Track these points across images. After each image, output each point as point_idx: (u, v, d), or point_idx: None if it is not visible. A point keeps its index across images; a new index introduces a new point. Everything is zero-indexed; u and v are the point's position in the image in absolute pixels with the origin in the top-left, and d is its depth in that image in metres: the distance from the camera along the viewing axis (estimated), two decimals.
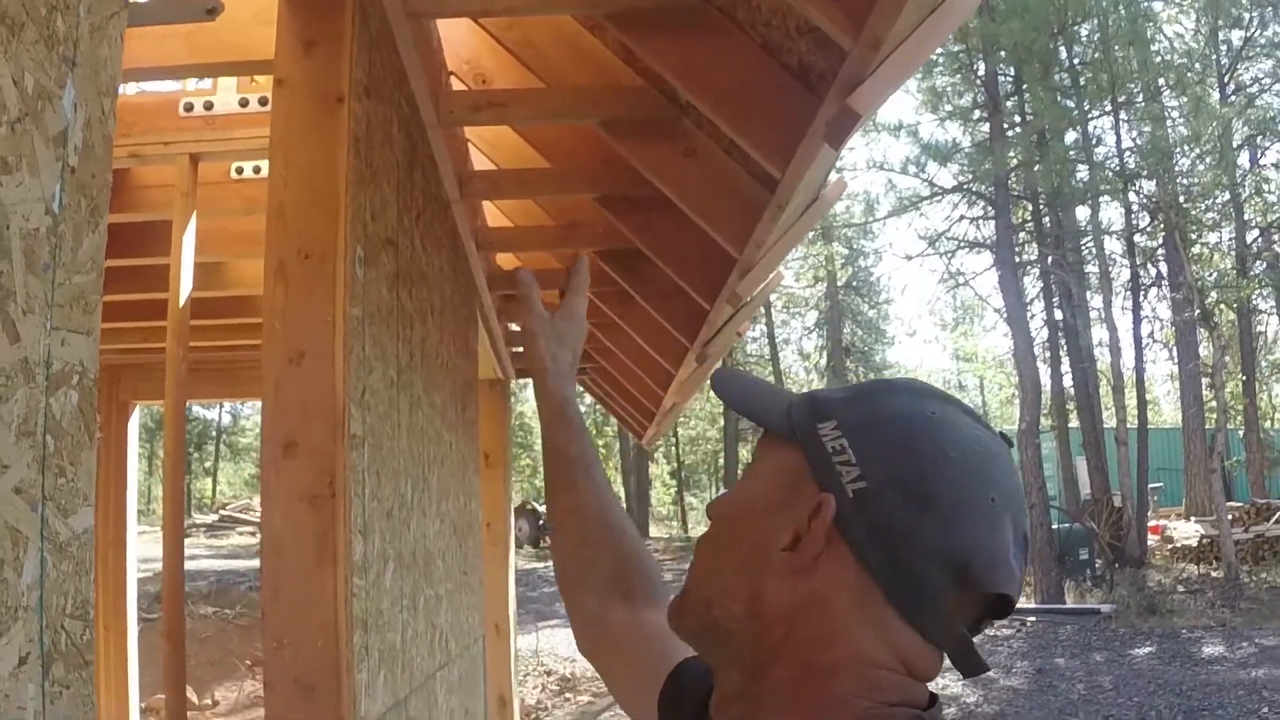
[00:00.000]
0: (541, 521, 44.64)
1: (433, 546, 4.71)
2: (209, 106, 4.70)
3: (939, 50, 32.98)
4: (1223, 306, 36.03)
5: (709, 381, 1.57)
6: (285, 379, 2.94)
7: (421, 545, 4.38)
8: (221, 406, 63.16)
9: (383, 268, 3.65)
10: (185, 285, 4.49)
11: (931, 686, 1.36)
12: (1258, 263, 36.98)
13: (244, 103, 4.67)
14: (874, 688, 1.30)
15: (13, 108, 1.27)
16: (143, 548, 11.18)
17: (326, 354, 2.94)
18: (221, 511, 52.27)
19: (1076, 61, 33.64)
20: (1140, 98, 33.49)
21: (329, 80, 3.12)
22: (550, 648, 21.85)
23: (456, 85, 5.23)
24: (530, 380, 2.21)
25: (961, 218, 36.50)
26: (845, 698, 1.29)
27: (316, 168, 3.04)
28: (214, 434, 67.29)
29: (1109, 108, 33.38)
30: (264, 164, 4.75)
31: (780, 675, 1.33)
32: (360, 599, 3.06)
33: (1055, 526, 26.92)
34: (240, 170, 5.48)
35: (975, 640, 1.34)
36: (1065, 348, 34.09)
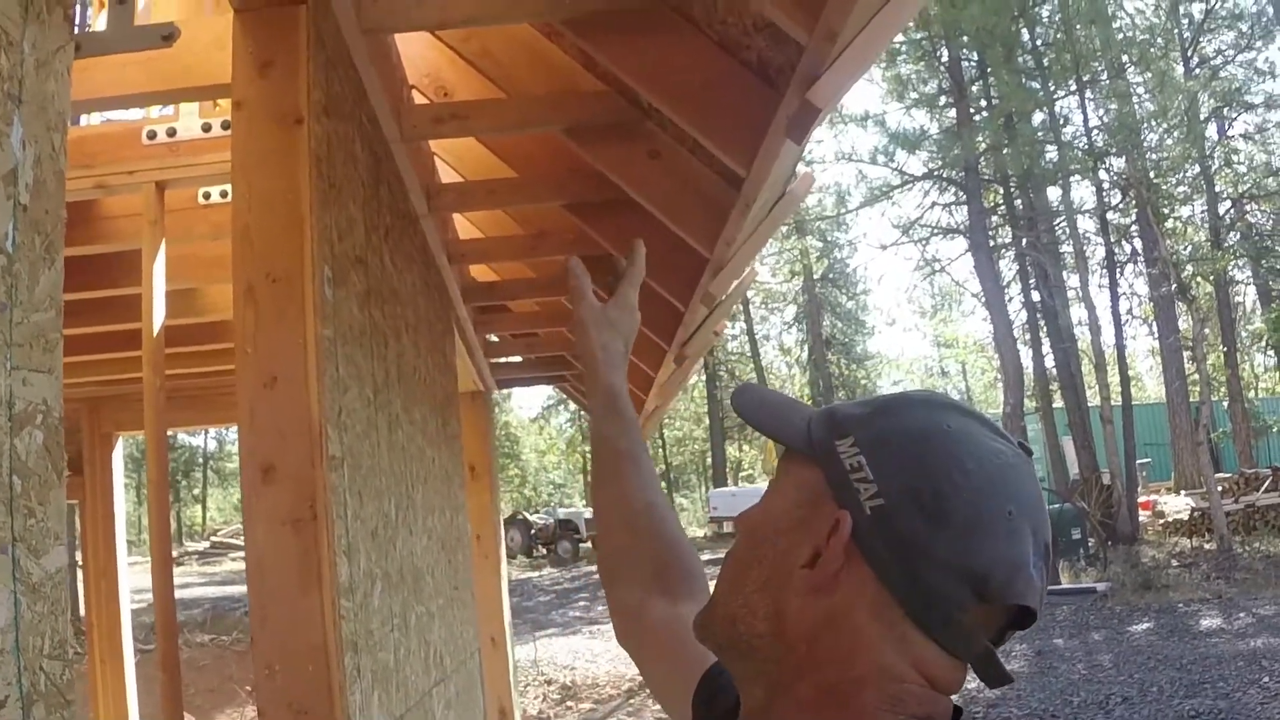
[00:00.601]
0: (533, 531, 44.65)
1: (421, 563, 4.70)
2: (172, 133, 4.67)
3: (901, 38, 33.08)
4: (1199, 279, 36.20)
5: (731, 400, 1.55)
6: (260, 403, 2.93)
7: (409, 563, 4.37)
8: (206, 433, 63.02)
9: (353, 287, 3.64)
10: (158, 314, 4.47)
11: None
12: (1231, 234, 37.17)
13: (206, 127, 4.64)
14: (897, 701, 1.30)
15: None
16: (135, 578, 11.14)
17: (300, 376, 2.93)
18: (213, 538, 52.21)
19: (1039, 43, 33.75)
20: (1105, 75, 33.59)
21: (286, 101, 3.10)
22: (549, 656, 21.83)
23: (418, 99, 5.23)
24: (506, 391, 2.19)
25: (934, 204, 36.67)
26: (869, 712, 1.30)
27: (279, 189, 3.03)
28: (201, 460, 67.15)
29: (1074, 87, 33.51)
30: (230, 188, 4.74)
31: (804, 691, 1.34)
32: (349, 620, 3.05)
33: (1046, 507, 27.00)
34: (208, 195, 5.45)
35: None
36: (1045, 329, 34.17)
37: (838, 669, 1.31)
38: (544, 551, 44.44)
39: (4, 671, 1.27)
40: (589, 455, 2.17)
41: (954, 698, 1.37)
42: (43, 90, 1.48)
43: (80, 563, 10.78)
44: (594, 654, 21.71)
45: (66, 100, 1.55)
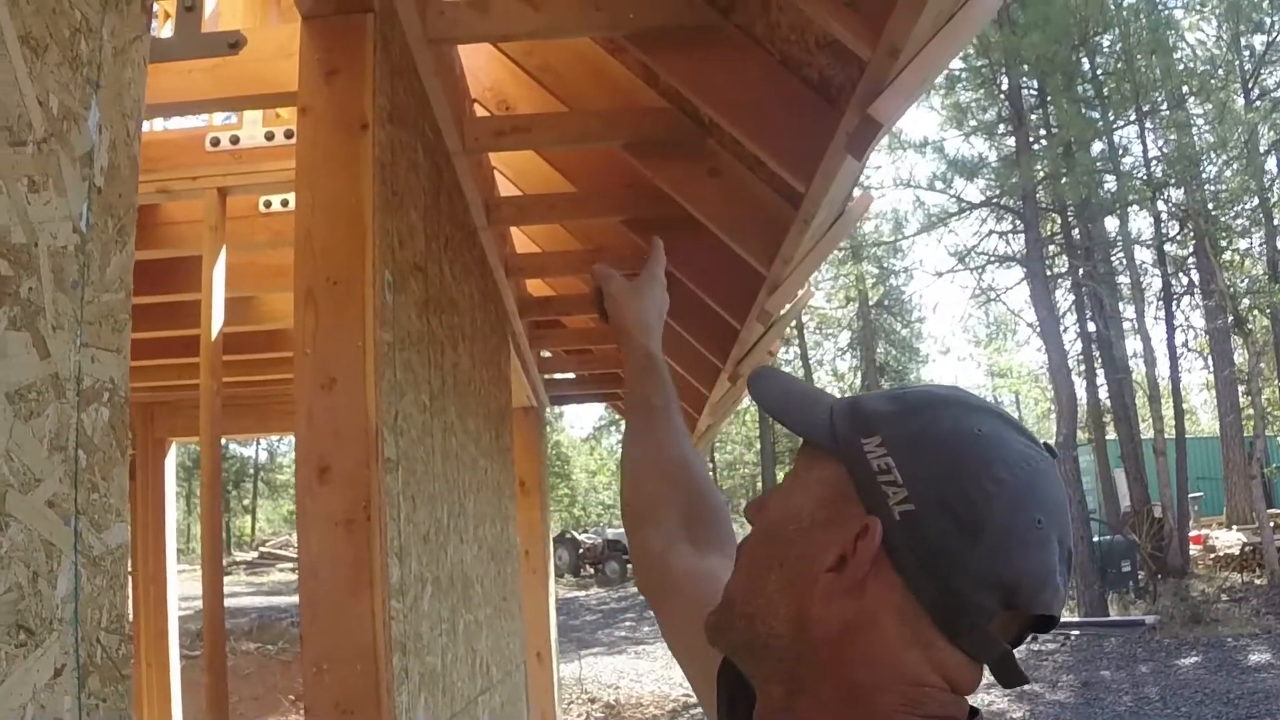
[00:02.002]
0: (581, 550, 44.63)
1: (471, 571, 4.71)
2: (235, 141, 4.72)
3: (961, 66, 33.01)
4: (1256, 312, 35.83)
5: (749, 385, 1.50)
6: (317, 405, 2.95)
7: (459, 570, 4.39)
8: (258, 443, 63.31)
9: (412, 294, 3.66)
10: (216, 320, 4.50)
11: (976, 701, 1.35)
12: None
13: (269, 136, 4.68)
14: (918, 704, 1.29)
15: (39, 128, 1.28)
16: (183, 586, 11.21)
17: (357, 379, 2.94)
18: (261, 548, 52.38)
19: (1099, 72, 33.58)
20: (1165, 106, 33.37)
21: (352, 107, 3.13)
22: (594, 675, 21.83)
23: (480, 112, 5.26)
24: (619, 348, 2.20)
25: (990, 232, 36.48)
26: (891, 714, 1.28)
27: (342, 194, 3.05)
28: (251, 471, 67.42)
29: (1134, 117, 33.34)
30: (291, 197, 4.78)
31: (826, 693, 1.32)
32: (399, 622, 3.07)
33: (1096, 539, 26.79)
34: (268, 204, 5.50)
35: (1017, 652, 1.33)
36: (1100, 359, 33.92)
37: (860, 671, 1.30)
38: (591, 571, 44.41)
39: (62, 641, 1.28)
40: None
41: (996, 718, 1.36)
42: (119, 77, 1.50)
43: (130, 569, 10.85)
44: (639, 674, 21.69)
45: (142, 88, 1.57)
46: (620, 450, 2.22)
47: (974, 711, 1.34)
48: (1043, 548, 1.29)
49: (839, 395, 1.47)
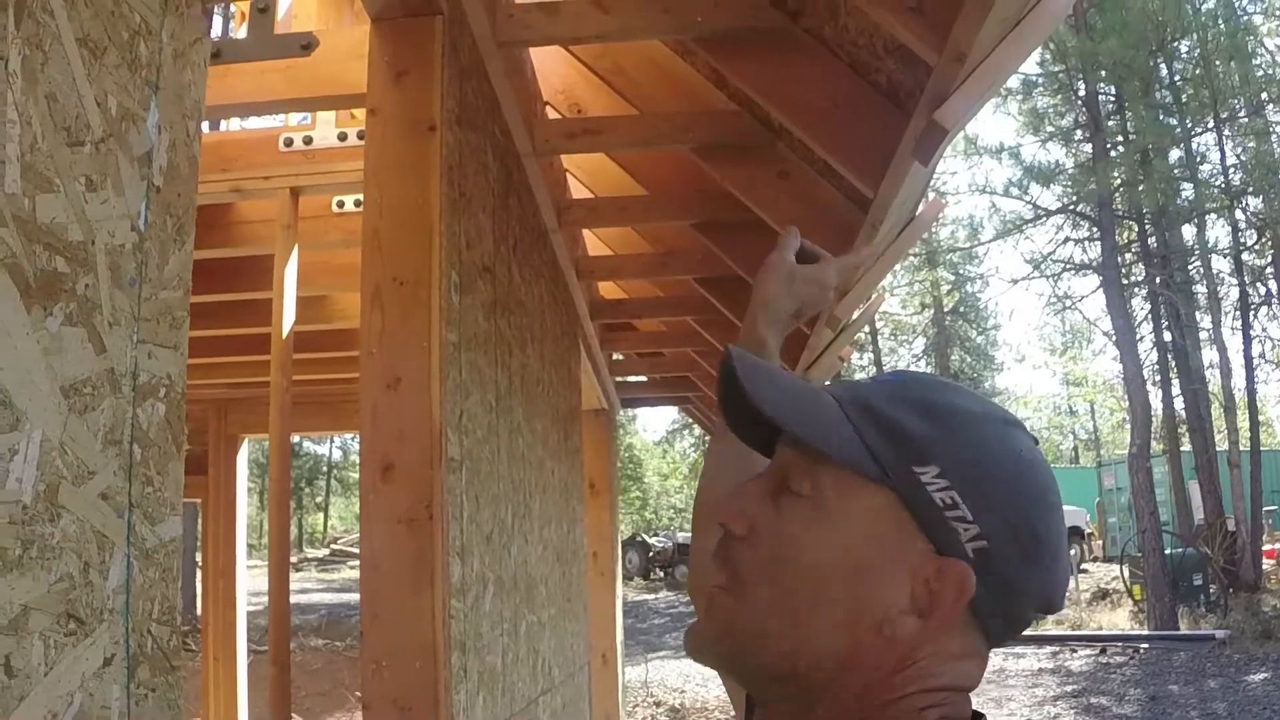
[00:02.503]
0: (651, 554, 44.62)
1: (534, 572, 4.73)
2: (308, 141, 4.76)
3: (1038, 71, 32.80)
4: None
5: (736, 373, 1.35)
6: (382, 403, 2.97)
7: (523, 570, 4.40)
8: (332, 441, 63.70)
9: (479, 295, 3.68)
10: (288, 318, 4.54)
11: (1042, 715, 1.35)
12: None
13: (342, 136, 4.72)
14: (940, 705, 1.28)
15: (97, 128, 1.30)
16: (254, 582, 11.32)
17: (422, 378, 2.96)
18: (333, 546, 52.75)
19: (1177, 78, 33.23)
20: (1243, 113, 33.00)
21: (420, 109, 3.15)
22: (660, 679, 21.81)
23: (552, 114, 5.28)
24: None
25: (1066, 239, 36.20)
26: (913, 713, 1.28)
27: (410, 195, 3.08)
28: (325, 469, 67.88)
29: (1212, 124, 32.96)
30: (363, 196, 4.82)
31: (849, 702, 1.30)
32: (459, 620, 3.08)
33: (1168, 552, 26.52)
34: (341, 204, 5.54)
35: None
36: (1175, 369, 33.61)
37: (915, 692, 1.28)
38: (661, 574, 44.38)
39: (113, 631, 1.30)
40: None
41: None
42: (179, 79, 1.52)
43: (200, 562, 10.96)
44: (704, 678, 21.65)
45: (202, 90, 1.59)
46: (710, 443, 2.19)
47: (978, 716, 1.34)
48: (1065, 554, 1.33)
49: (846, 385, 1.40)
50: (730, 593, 1.34)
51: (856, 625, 1.27)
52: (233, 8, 4.72)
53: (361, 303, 3.06)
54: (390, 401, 2.97)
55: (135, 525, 1.37)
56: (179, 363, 1.49)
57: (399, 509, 2.89)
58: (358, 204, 5.45)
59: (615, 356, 10.32)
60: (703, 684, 21.13)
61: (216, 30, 3.69)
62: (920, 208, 4.83)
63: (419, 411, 2.95)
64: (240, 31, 4.13)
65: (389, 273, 3.04)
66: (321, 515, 68.90)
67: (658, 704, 19.83)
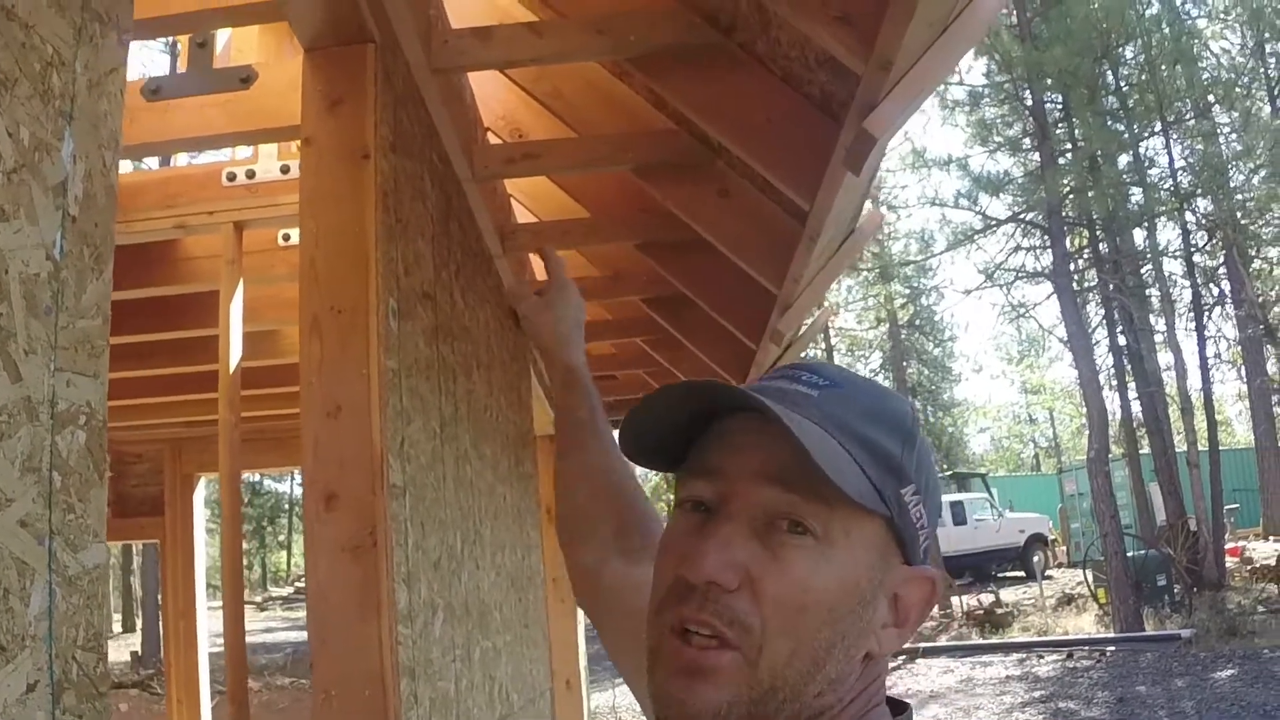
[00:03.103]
0: None
1: (488, 598, 4.72)
2: (251, 175, 4.76)
3: (984, 82, 33.02)
4: None
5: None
6: (323, 433, 2.97)
7: (475, 596, 4.39)
8: (292, 478, 63.38)
9: (420, 321, 3.68)
10: (235, 354, 4.54)
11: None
12: None
13: (285, 169, 4.72)
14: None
15: (8, 158, 1.31)
16: (216, 622, 11.25)
17: (362, 406, 2.97)
18: (297, 583, 52.47)
19: (1123, 84, 33.45)
20: (1190, 116, 33.29)
21: (354, 137, 3.16)
22: (629, 704, 21.78)
23: (493, 139, 5.29)
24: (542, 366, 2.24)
25: (1018, 248, 36.35)
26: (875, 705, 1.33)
27: (345, 223, 3.08)
28: (286, 506, 67.55)
29: (1159, 128, 33.20)
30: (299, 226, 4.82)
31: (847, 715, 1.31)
32: (407, 647, 3.08)
33: (1131, 554, 26.63)
34: (287, 237, 5.54)
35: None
36: (1131, 373, 33.78)
37: (878, 688, 1.34)
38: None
39: (35, 658, 1.30)
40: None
41: None
42: (95, 109, 1.53)
43: (160, 603, 10.92)
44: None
45: (119, 120, 1.60)
46: (554, 467, 2.24)
47: (901, 704, 1.37)
48: None
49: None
50: (740, 651, 1.24)
51: (852, 650, 1.28)
52: (178, 44, 4.73)
53: (300, 332, 3.07)
54: (331, 430, 2.97)
55: (57, 552, 1.37)
56: (99, 391, 1.49)
57: (343, 537, 2.89)
58: None
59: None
60: None
61: (164, 68, 3.70)
62: (861, 219, 4.86)
63: (359, 439, 2.95)
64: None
65: (326, 302, 3.04)
66: (285, 553, 68.54)
67: None
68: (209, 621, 10.26)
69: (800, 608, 1.24)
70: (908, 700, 1.38)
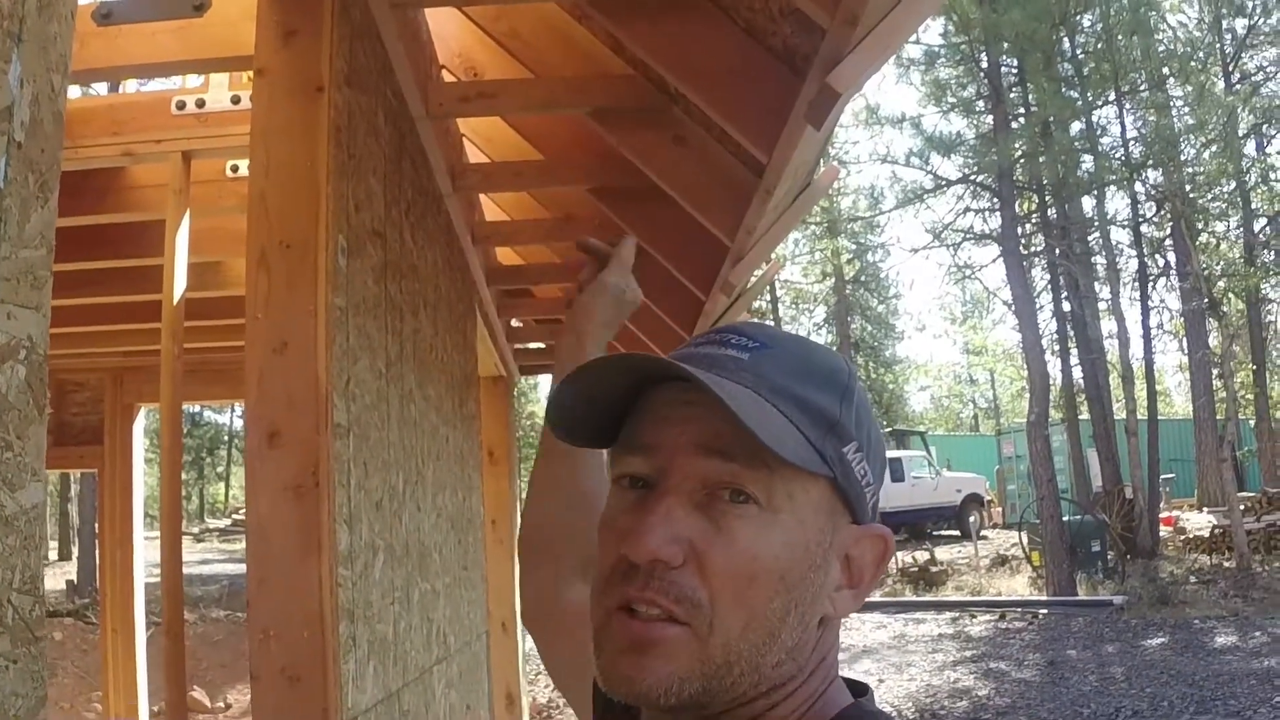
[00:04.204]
0: None
1: (428, 540, 4.70)
2: (201, 104, 4.69)
3: (940, 42, 33.00)
4: (1231, 296, 35.97)
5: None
6: (269, 369, 2.94)
7: (415, 538, 4.37)
8: (232, 410, 63.12)
9: (369, 259, 3.64)
10: (179, 284, 4.48)
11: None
12: (1266, 251, 36.97)
13: (236, 99, 4.66)
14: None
15: None
16: (153, 552, 11.18)
17: (309, 344, 2.93)
18: (234, 516, 52.29)
19: (1079, 52, 33.49)
20: (1144, 87, 33.38)
21: (308, 70, 3.11)
22: None
23: (448, 78, 5.23)
24: (558, 342, 2.09)
25: (967, 210, 36.45)
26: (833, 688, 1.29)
27: (296, 158, 3.04)
28: (226, 438, 67.27)
29: (1113, 97, 33.32)
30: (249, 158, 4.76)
31: (802, 692, 1.27)
32: (346, 589, 3.06)
33: (1066, 519, 26.81)
34: (236, 168, 5.47)
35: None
36: (1074, 339, 33.97)
37: (833, 660, 1.30)
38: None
39: None
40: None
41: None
42: (44, 31, 1.48)
43: (98, 532, 10.86)
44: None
45: (69, 43, 1.55)
46: (535, 459, 2.08)
47: (860, 686, 1.34)
48: None
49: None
50: (690, 627, 1.19)
51: (806, 616, 1.25)
52: None
53: (247, 266, 3.04)
54: (276, 367, 2.94)
55: None
56: (41, 324, 1.44)
57: (285, 476, 2.86)
58: None
59: (514, 323, 10.28)
60: None
61: None
62: (816, 174, 4.84)
63: (305, 377, 2.92)
64: None
65: (275, 236, 3.00)
66: (223, 485, 68.33)
67: None
68: (146, 552, 10.20)
69: (750, 578, 1.20)
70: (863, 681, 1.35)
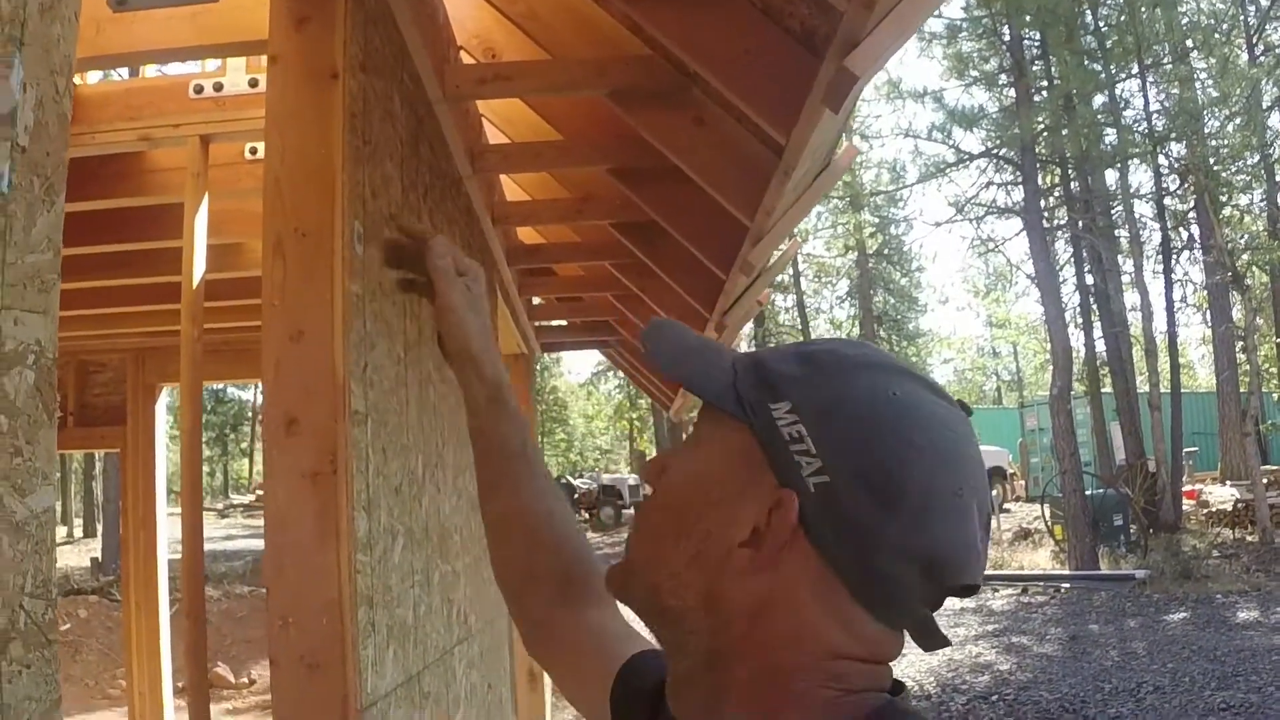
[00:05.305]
0: (576, 496, 44.82)
1: (448, 522, 4.70)
2: (218, 88, 4.70)
3: (963, 16, 32.90)
4: (1255, 269, 35.85)
5: (642, 338, 1.45)
6: (285, 356, 2.94)
7: (435, 520, 4.37)
8: (256, 387, 63.37)
9: None
10: (199, 266, 4.49)
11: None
12: None
13: (253, 83, 4.67)
14: (839, 678, 1.26)
15: None
16: (177, 529, 11.22)
17: (325, 331, 2.93)
18: (258, 491, 52.51)
19: (1102, 24, 33.39)
20: (1167, 60, 33.25)
21: (322, 56, 3.10)
22: None
23: (466, 59, 5.22)
24: (453, 371, 2.05)
25: (990, 183, 36.40)
26: (809, 691, 1.26)
27: (311, 145, 3.03)
28: (249, 415, 67.54)
29: (1136, 70, 33.22)
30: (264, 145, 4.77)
31: (742, 672, 1.29)
32: (365, 575, 3.06)
33: (1089, 492, 26.82)
34: (254, 151, 5.48)
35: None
36: (1097, 312, 33.92)
37: (779, 649, 1.27)
38: (586, 516, 44.62)
39: None
40: (633, 422, 2.07)
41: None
42: (47, 34, 1.47)
43: (121, 511, 10.90)
44: (631, 618, 21.79)
45: (72, 45, 1.54)
46: (479, 495, 2.09)
47: (898, 686, 1.32)
48: (962, 517, 1.25)
49: (745, 349, 1.43)
50: (633, 532, 1.41)
51: (706, 559, 1.30)
52: None
53: (263, 254, 3.03)
54: (293, 354, 2.93)
55: (3, 497, 1.33)
56: (49, 328, 1.44)
57: (303, 464, 2.86)
58: None
59: (535, 301, 10.30)
60: (631, 621, 21.24)
61: None
62: (837, 153, 4.82)
63: (321, 365, 2.92)
64: None
65: (290, 223, 3.00)
66: (247, 461, 68.63)
67: None
68: (169, 528, 10.25)
69: (658, 494, 1.40)
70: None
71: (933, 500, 1.23)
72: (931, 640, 1.29)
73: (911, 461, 1.23)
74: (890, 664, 1.31)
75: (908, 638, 1.32)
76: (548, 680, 10.99)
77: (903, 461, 1.23)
